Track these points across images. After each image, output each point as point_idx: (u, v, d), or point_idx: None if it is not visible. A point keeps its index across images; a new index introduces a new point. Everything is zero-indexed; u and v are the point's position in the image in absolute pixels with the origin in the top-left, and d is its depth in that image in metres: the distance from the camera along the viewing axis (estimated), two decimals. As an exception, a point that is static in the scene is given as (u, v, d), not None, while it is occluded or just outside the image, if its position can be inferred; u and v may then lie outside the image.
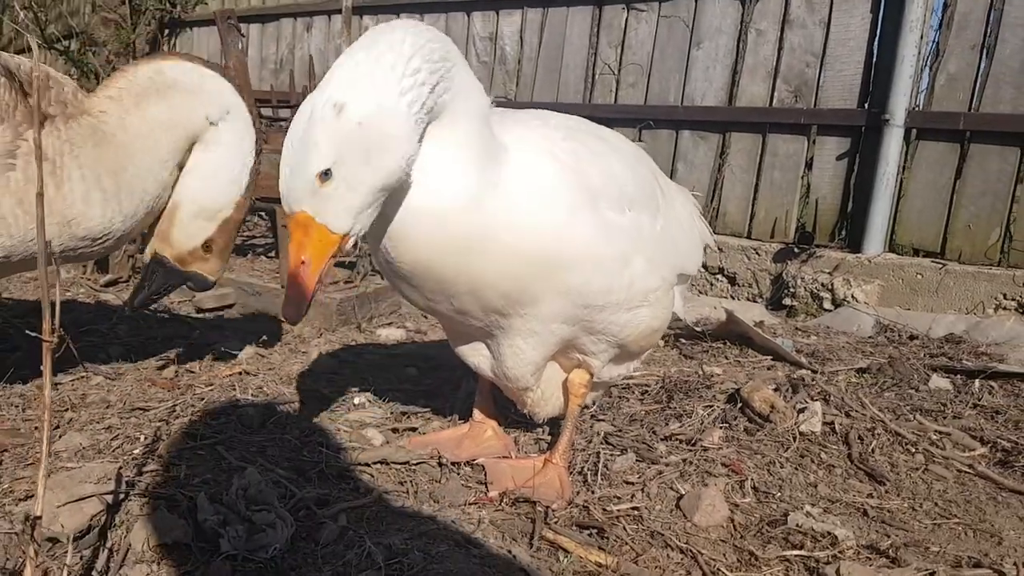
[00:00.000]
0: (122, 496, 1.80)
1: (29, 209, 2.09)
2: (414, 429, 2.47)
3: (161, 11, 8.30)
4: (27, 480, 1.91)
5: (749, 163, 5.11)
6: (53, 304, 1.35)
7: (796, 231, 4.90)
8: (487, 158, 1.70)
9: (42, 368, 1.31)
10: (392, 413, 2.57)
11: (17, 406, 2.40)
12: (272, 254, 4.50)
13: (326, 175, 1.48)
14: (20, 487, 1.88)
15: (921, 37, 4.33)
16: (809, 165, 4.91)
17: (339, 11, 6.87)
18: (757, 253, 4.91)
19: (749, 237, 5.11)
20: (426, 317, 3.84)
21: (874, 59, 4.58)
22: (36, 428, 2.24)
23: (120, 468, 1.94)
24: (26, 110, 2.11)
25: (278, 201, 3.68)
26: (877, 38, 4.56)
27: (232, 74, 3.50)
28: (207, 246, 2.49)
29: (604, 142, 2.02)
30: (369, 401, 2.65)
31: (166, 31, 8.81)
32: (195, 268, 2.53)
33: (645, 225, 2.01)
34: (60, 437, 2.16)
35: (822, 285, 4.51)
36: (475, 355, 2.15)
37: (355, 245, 1.67)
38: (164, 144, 2.34)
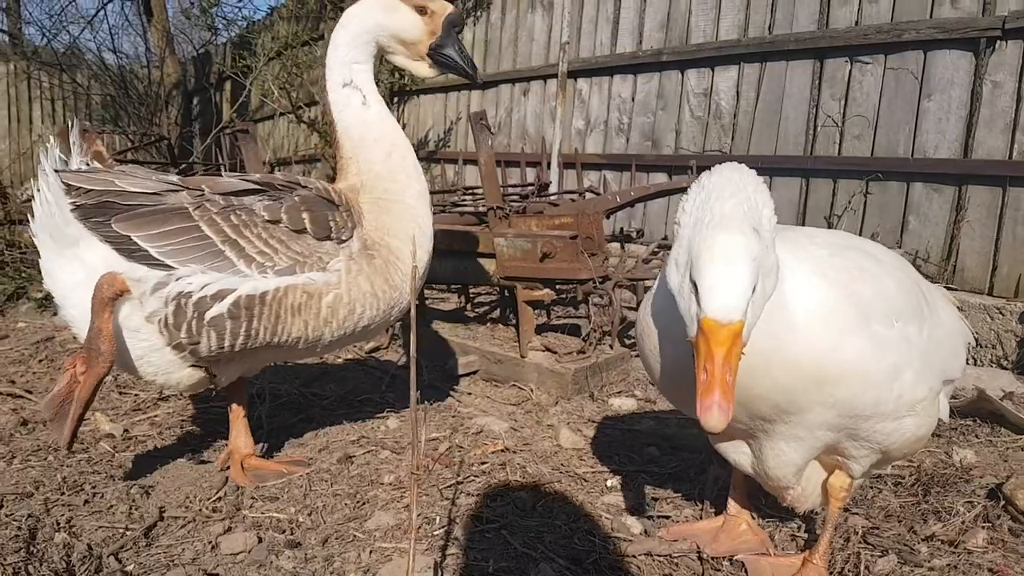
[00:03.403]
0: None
1: (392, 283, 2.68)
2: (667, 517, 2.62)
3: (393, 83, 9.15)
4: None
5: (988, 217, 4.86)
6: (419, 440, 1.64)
7: (1047, 290, 4.59)
8: (778, 280, 1.82)
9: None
10: (643, 498, 2.74)
11: (326, 481, 2.81)
12: (510, 324, 4.84)
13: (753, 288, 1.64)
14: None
15: None
16: (1061, 219, 4.60)
17: (555, 76, 7.26)
18: (1001, 313, 4.64)
19: (990, 294, 4.85)
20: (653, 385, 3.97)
21: None
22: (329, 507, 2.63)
23: (426, 550, 2.25)
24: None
25: (520, 279, 4.03)
26: None
27: (483, 167, 3.90)
28: (421, 11, 2.72)
29: (869, 256, 2.08)
30: (620, 484, 2.84)
31: (395, 99, 9.66)
32: (436, 23, 2.74)
33: (913, 336, 2.04)
34: (370, 516, 2.51)
35: (1081, 351, 4.20)
36: (735, 452, 2.26)
37: None
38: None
